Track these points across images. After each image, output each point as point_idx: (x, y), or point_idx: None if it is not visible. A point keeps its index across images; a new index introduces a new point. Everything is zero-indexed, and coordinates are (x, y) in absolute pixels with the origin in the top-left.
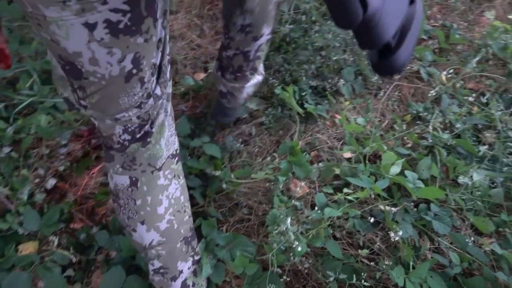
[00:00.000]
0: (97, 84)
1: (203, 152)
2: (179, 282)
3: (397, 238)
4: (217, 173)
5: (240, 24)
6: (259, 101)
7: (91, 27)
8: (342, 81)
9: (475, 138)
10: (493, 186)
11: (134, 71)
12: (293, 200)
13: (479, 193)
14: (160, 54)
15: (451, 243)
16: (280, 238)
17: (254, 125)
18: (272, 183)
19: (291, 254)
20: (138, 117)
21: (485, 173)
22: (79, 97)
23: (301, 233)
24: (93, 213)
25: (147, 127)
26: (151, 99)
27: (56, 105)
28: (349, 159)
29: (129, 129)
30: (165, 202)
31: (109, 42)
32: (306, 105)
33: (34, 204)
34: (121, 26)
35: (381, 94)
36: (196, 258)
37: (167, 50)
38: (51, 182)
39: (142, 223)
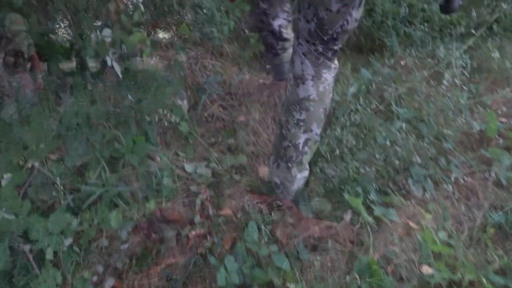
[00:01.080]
0: None
1: (271, 261)
2: None
3: None
4: (291, 286)
5: (297, 118)
6: (323, 201)
7: None
8: (410, 180)
9: None
10: None
11: None
12: None
13: None
14: None
15: None
16: None
17: (322, 228)
18: None
19: None
20: None
21: None
22: None
23: None
24: None
25: None
26: None
27: (120, 193)
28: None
29: None
30: None
31: None
32: (375, 211)
33: None
34: None
35: (455, 198)
36: None
37: None
38: (109, 283)
39: None
